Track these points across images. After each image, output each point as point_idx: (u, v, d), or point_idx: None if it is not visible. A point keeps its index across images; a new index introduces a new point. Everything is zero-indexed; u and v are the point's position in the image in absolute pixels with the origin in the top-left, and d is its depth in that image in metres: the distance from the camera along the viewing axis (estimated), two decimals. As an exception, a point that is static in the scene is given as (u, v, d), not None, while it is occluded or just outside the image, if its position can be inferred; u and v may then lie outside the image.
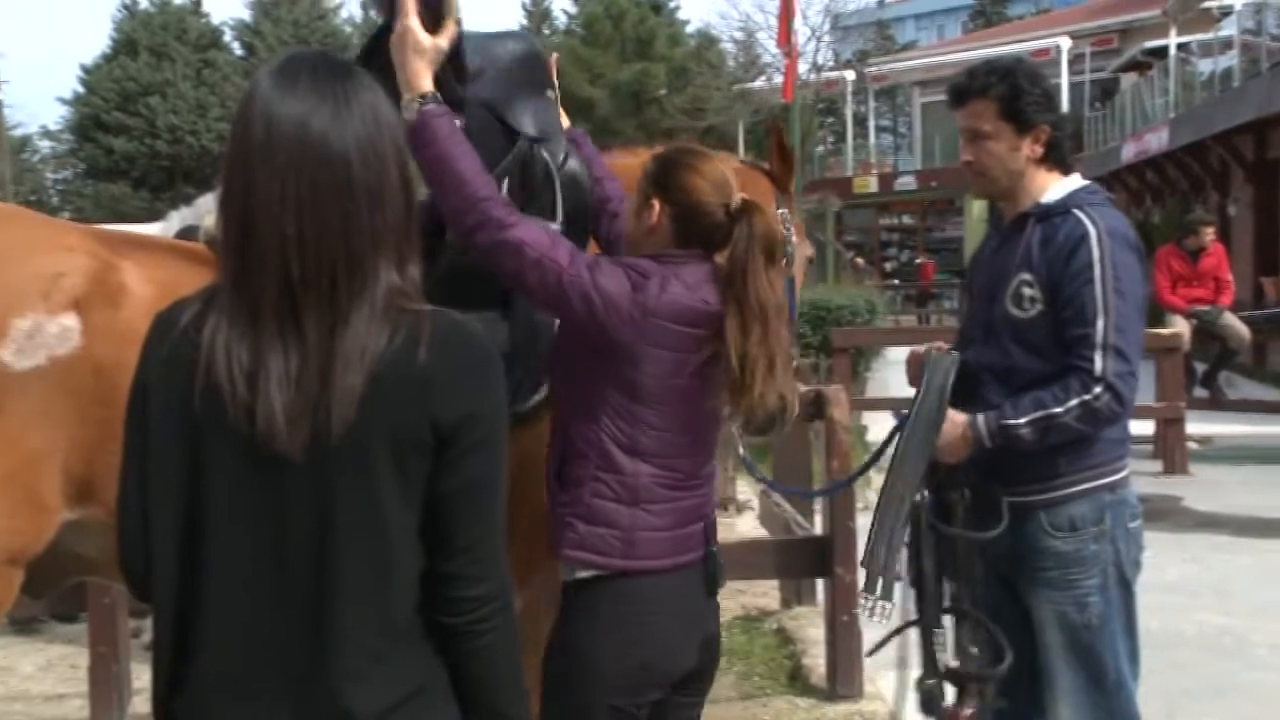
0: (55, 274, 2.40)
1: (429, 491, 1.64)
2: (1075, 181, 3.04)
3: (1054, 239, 2.91)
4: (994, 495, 2.92)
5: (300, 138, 1.60)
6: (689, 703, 2.64)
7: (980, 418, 2.88)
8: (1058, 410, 2.81)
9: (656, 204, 2.59)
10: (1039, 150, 2.99)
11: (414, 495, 1.63)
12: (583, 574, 2.52)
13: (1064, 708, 2.97)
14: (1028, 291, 2.92)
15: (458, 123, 2.53)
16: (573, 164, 2.86)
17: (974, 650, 2.95)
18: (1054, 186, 3.01)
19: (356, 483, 1.61)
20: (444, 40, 2.49)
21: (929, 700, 2.97)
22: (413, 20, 2.45)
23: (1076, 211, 2.93)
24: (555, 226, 2.76)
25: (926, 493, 2.94)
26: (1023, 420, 2.83)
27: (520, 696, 1.76)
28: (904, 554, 2.99)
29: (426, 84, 2.46)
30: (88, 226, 2.79)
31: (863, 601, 3.00)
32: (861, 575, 3.06)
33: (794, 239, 3.31)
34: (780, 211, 3.29)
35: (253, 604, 1.63)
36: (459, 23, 2.52)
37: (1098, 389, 2.80)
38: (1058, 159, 3.03)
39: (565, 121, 2.96)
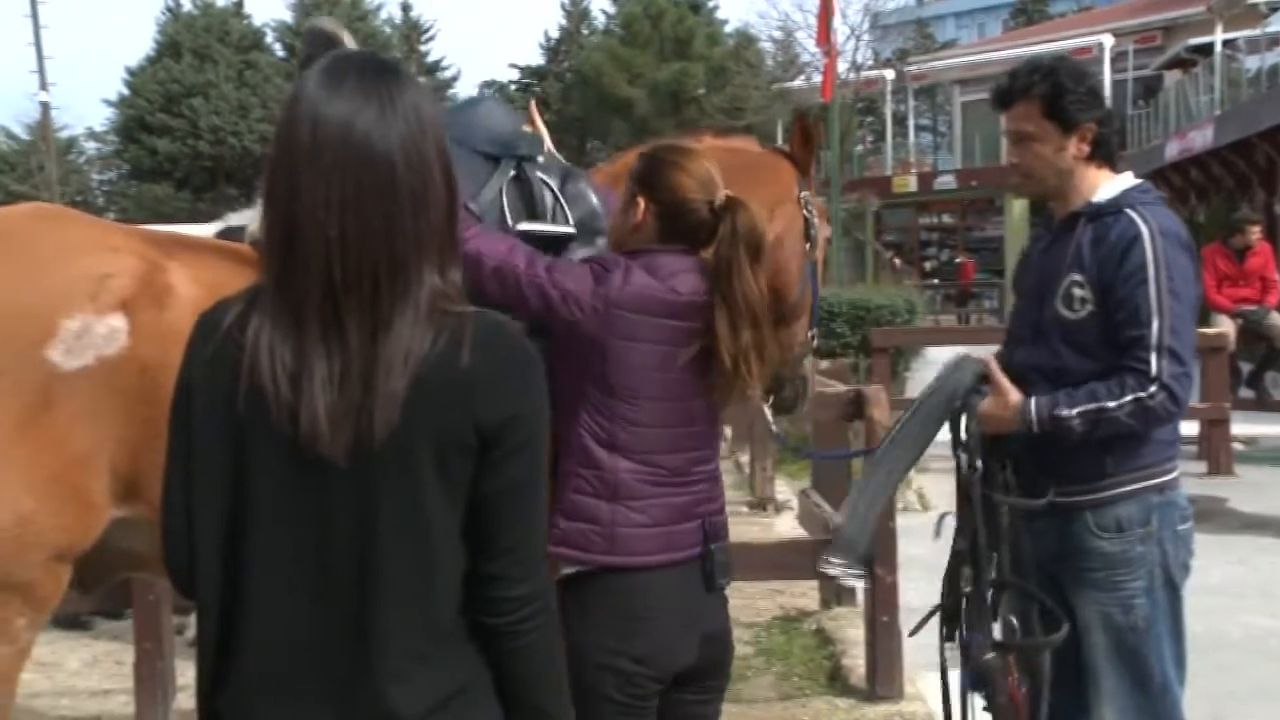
0: (103, 275, 2.43)
1: (472, 493, 1.64)
2: (1127, 180, 3.00)
3: (1106, 239, 2.88)
4: (1036, 474, 2.88)
5: (345, 139, 1.59)
6: (701, 699, 2.64)
7: (1033, 402, 2.85)
8: (1110, 404, 2.78)
9: (642, 202, 2.62)
10: (1085, 149, 2.95)
11: (457, 497, 1.64)
12: (568, 570, 2.54)
13: (1108, 711, 2.94)
14: (1078, 292, 2.89)
15: None
16: (578, 185, 2.93)
17: (1013, 621, 2.92)
18: (1105, 185, 2.97)
19: (400, 485, 1.61)
20: None
21: (982, 676, 2.92)
22: None
23: (1129, 211, 2.89)
24: (569, 229, 2.83)
25: (979, 463, 2.90)
26: (1074, 411, 2.80)
27: (561, 695, 1.77)
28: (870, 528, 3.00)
29: None
30: (134, 227, 2.82)
31: (830, 569, 2.98)
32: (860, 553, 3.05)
33: (816, 221, 3.35)
34: (802, 195, 3.35)
35: (295, 605, 1.64)
36: None
37: (1153, 388, 2.77)
38: (1105, 155, 2.99)
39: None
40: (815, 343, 3.44)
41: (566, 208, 2.86)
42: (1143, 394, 2.77)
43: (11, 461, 2.29)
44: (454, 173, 1.69)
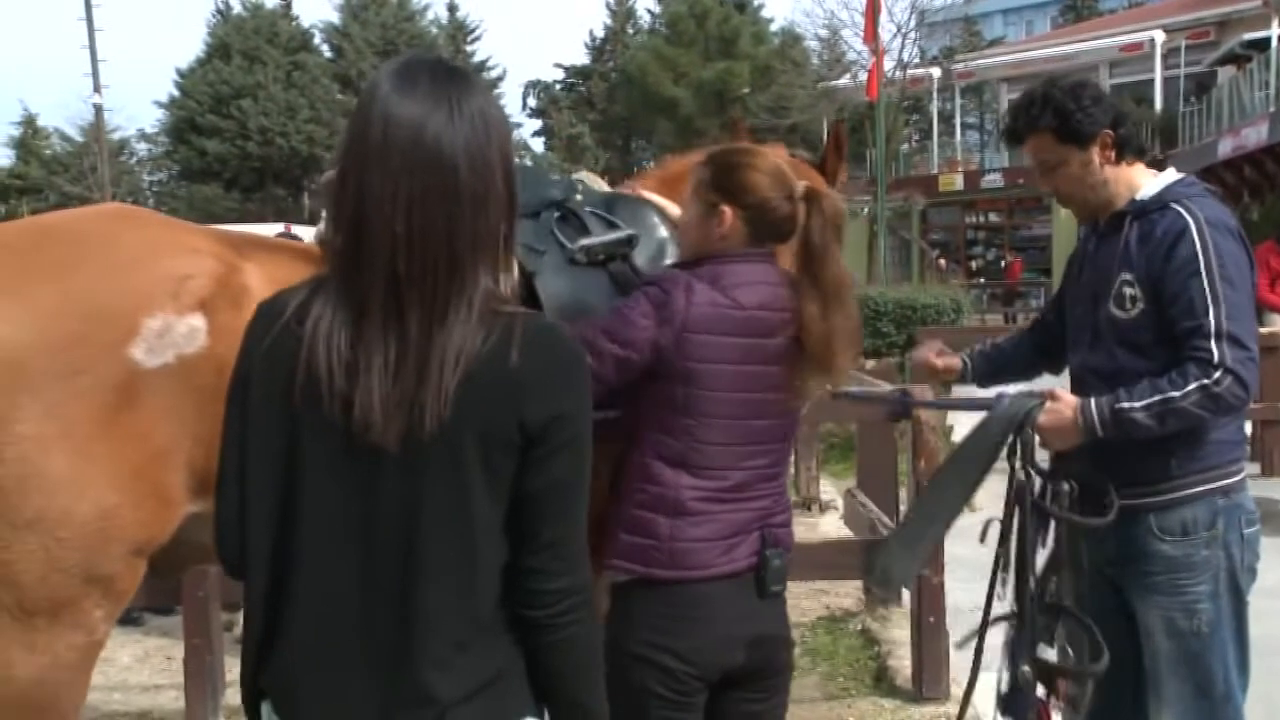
0: (184, 275, 2.48)
1: (516, 488, 1.69)
2: (1170, 175, 2.96)
3: (1152, 235, 2.85)
4: (1104, 489, 2.82)
5: (415, 141, 1.66)
6: (757, 698, 2.64)
7: (1093, 402, 2.78)
8: (1175, 395, 2.71)
9: (727, 210, 2.59)
10: (1110, 154, 2.92)
11: (501, 491, 1.68)
12: (622, 578, 2.56)
13: (1169, 717, 2.90)
14: (1129, 291, 2.85)
15: None
16: (629, 202, 2.98)
17: (1066, 647, 2.87)
18: (1148, 183, 2.94)
19: (445, 478, 1.66)
20: None
21: (1017, 690, 2.88)
22: None
23: (1174, 205, 2.85)
24: (627, 232, 2.86)
25: (1034, 475, 2.84)
26: (1139, 404, 2.73)
27: (598, 689, 1.80)
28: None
29: None
30: (209, 228, 2.87)
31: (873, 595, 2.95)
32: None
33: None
34: None
35: (341, 590, 1.70)
36: None
37: (1218, 374, 2.70)
38: (1134, 151, 2.96)
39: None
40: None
41: (620, 223, 2.90)
42: (1207, 380, 2.70)
43: (95, 457, 2.34)
44: (515, 176, 1.74)
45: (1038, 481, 2.87)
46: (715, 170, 2.65)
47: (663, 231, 2.93)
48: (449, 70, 1.74)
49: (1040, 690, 2.90)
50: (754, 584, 2.56)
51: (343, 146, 1.72)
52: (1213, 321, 2.72)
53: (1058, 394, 2.85)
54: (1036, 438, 2.84)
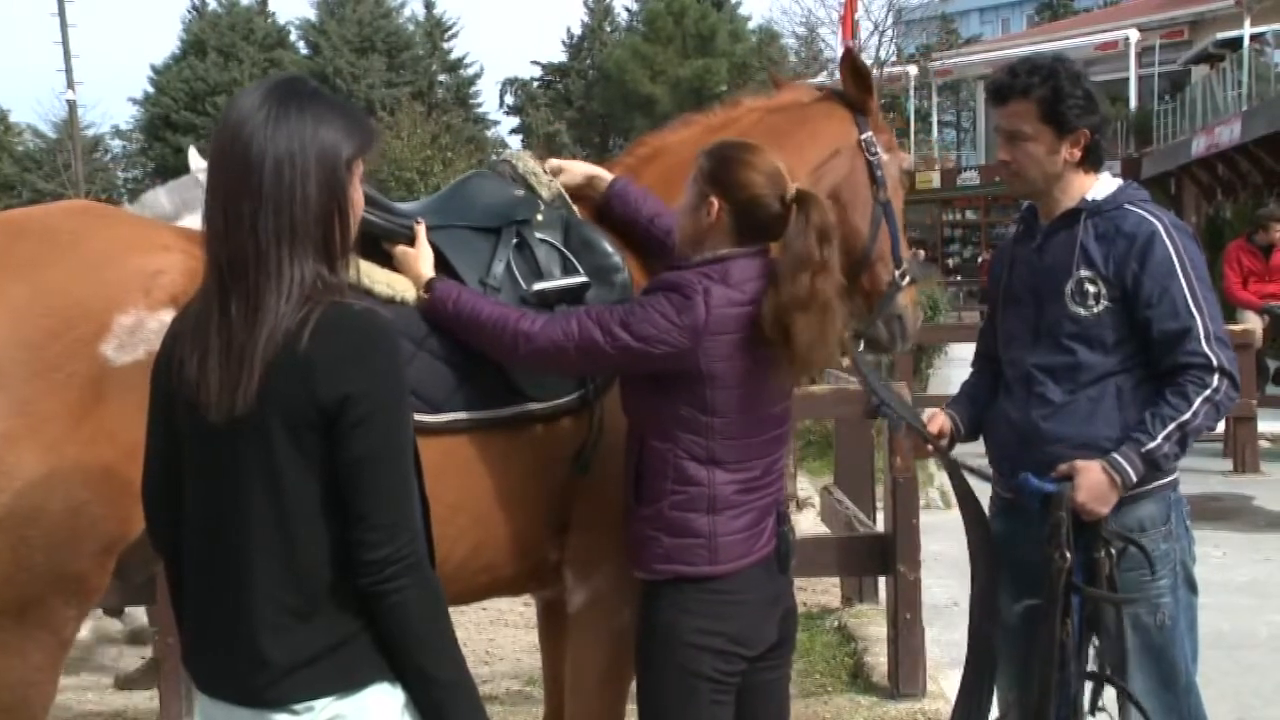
0: (155, 271, 2.49)
1: (328, 465, 1.82)
2: (1116, 180, 2.99)
3: (1118, 232, 2.86)
4: (1139, 545, 2.83)
5: (231, 143, 1.85)
6: (772, 666, 2.74)
7: (1118, 456, 2.78)
8: (1187, 416, 2.77)
9: (715, 201, 2.64)
10: (1077, 154, 2.93)
11: (315, 469, 1.82)
12: (662, 577, 2.62)
13: (1136, 712, 2.92)
14: (1091, 288, 2.87)
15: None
16: (582, 232, 2.95)
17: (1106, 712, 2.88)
18: (1097, 185, 2.96)
19: (260, 457, 1.81)
20: (420, 237, 2.77)
21: None
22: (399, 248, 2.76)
23: (1131, 207, 2.89)
24: (581, 279, 2.86)
25: (1069, 554, 2.78)
26: (1160, 438, 2.77)
27: (446, 658, 1.88)
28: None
29: (426, 272, 2.73)
30: (179, 225, 2.87)
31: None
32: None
33: (883, 157, 3.33)
34: (864, 136, 3.33)
35: (203, 566, 1.89)
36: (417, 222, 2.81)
37: (1215, 380, 2.78)
38: (1095, 162, 2.97)
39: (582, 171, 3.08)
40: (906, 280, 3.38)
41: (576, 259, 2.89)
42: (1208, 390, 2.77)
43: (66, 454, 2.35)
44: (341, 182, 1.88)
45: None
46: (713, 163, 2.68)
47: (620, 275, 2.91)
48: (296, 91, 1.89)
49: None
50: (776, 562, 2.68)
51: None
52: (1201, 325, 2.79)
53: (1078, 467, 2.81)
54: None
